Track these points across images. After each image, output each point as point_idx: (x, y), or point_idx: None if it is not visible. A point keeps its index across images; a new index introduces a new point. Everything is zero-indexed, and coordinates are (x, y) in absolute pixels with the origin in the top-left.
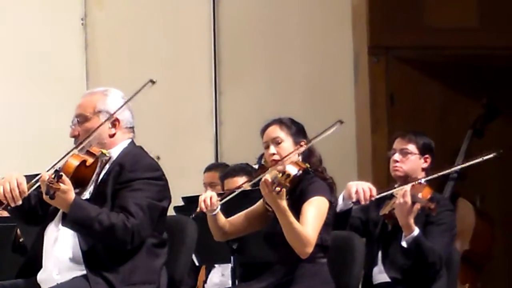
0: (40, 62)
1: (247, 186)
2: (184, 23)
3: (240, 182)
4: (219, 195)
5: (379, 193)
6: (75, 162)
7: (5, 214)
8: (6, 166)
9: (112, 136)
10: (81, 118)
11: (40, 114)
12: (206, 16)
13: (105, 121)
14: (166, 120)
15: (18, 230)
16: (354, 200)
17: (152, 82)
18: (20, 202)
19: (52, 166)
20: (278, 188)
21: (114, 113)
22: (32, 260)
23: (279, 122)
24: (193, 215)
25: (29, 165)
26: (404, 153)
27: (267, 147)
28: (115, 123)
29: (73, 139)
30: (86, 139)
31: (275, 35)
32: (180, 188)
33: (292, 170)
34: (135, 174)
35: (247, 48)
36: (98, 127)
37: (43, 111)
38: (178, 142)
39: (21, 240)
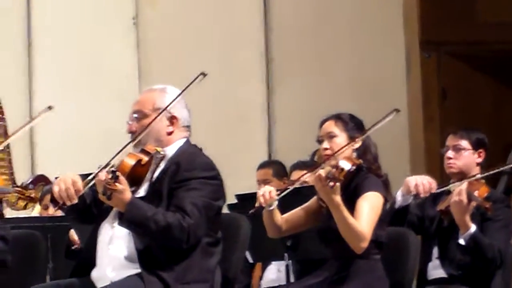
0: (92, 61)
1: (307, 179)
2: (236, 21)
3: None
4: (276, 190)
5: (437, 188)
6: (131, 162)
7: (59, 213)
8: (60, 165)
9: (169, 133)
10: (140, 115)
11: (92, 113)
12: (258, 13)
13: (160, 113)
14: (219, 118)
15: (71, 235)
16: (413, 193)
17: (204, 74)
18: (75, 201)
19: (107, 164)
20: (331, 183)
21: (168, 105)
22: (86, 259)
23: (336, 117)
24: (252, 211)
25: (82, 163)
26: (457, 149)
27: (322, 142)
28: (173, 120)
29: (125, 137)
30: (142, 133)
31: (326, 32)
32: (233, 186)
33: (345, 165)
34: (192, 173)
35: (298, 46)
36: (151, 121)
37: (96, 110)
38: (231, 140)
39: (74, 247)
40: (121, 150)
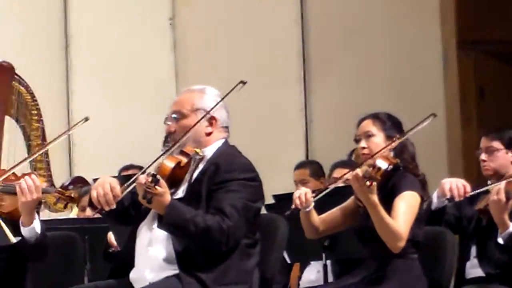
0: (130, 62)
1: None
2: (272, 21)
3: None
4: (313, 191)
5: (474, 190)
6: (170, 164)
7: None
8: (98, 166)
9: (208, 134)
10: (179, 115)
11: (129, 114)
12: (294, 13)
13: (202, 118)
14: (256, 118)
15: (109, 238)
16: (448, 197)
17: (243, 83)
18: (113, 206)
19: (148, 167)
20: (368, 182)
21: (211, 110)
22: (124, 260)
23: (373, 116)
24: (288, 213)
25: (120, 164)
26: (490, 151)
27: (359, 141)
28: (212, 121)
29: (161, 138)
30: (184, 136)
31: (363, 31)
32: (270, 187)
33: (382, 164)
34: (231, 174)
35: (335, 45)
36: (194, 124)
37: (133, 111)
38: (268, 141)
39: (111, 249)
40: (162, 155)
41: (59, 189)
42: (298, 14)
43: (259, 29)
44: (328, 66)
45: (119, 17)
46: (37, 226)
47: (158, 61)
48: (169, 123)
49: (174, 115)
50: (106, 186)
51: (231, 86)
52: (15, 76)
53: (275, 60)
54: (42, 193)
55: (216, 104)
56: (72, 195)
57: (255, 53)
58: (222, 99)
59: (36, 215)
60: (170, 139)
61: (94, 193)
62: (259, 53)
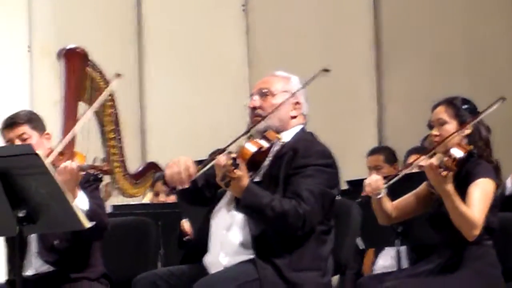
0: (202, 48)
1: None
2: (344, 6)
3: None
4: (384, 178)
5: None
6: (252, 149)
7: (171, 200)
8: (171, 152)
9: (292, 117)
10: (268, 92)
11: (202, 99)
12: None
13: (293, 95)
14: (329, 104)
15: (183, 226)
16: None
17: (326, 70)
18: (187, 186)
19: (228, 145)
20: (444, 172)
21: (297, 91)
22: (198, 245)
23: (447, 102)
24: (359, 200)
25: (193, 149)
26: None
27: (432, 127)
28: (296, 106)
29: (234, 123)
30: (272, 112)
31: (436, 16)
32: (343, 172)
33: (457, 153)
34: (309, 160)
35: (408, 30)
36: (281, 103)
37: (206, 96)
38: (341, 126)
39: (186, 237)
40: (245, 134)
41: (92, 164)
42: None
43: (331, 15)
44: (402, 52)
45: (192, 3)
46: (81, 203)
47: (231, 47)
48: (256, 98)
49: (263, 90)
50: (181, 165)
51: (304, 72)
52: (89, 61)
53: (348, 46)
54: (79, 170)
55: (302, 87)
56: (105, 168)
57: (327, 39)
58: (306, 84)
59: (80, 193)
60: (251, 115)
61: (168, 171)
62: (331, 39)
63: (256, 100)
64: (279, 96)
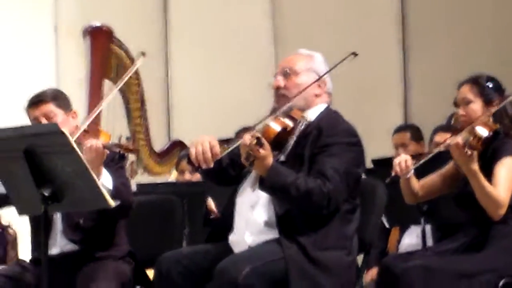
0: (229, 27)
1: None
2: None
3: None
4: (412, 157)
5: None
6: (277, 128)
7: (196, 178)
8: (196, 130)
9: (317, 96)
10: (291, 71)
11: (228, 80)
12: None
13: (320, 78)
14: (355, 83)
15: (209, 204)
16: None
17: (355, 54)
18: (211, 165)
19: (257, 124)
20: (469, 151)
21: (326, 73)
22: (223, 223)
23: (472, 81)
24: (388, 180)
25: (218, 127)
26: None
27: (458, 106)
28: (321, 84)
29: (259, 102)
30: (298, 94)
31: None
32: (369, 151)
33: (483, 132)
34: (333, 138)
35: (435, 11)
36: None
37: (231, 77)
38: (366, 105)
39: (211, 216)
40: (273, 112)
41: (117, 143)
42: None
43: None
44: (428, 32)
45: None
46: (106, 182)
47: (257, 28)
48: (279, 78)
49: (286, 69)
50: (205, 144)
51: (330, 52)
52: (114, 39)
53: (375, 27)
54: (104, 148)
55: (329, 70)
56: (130, 147)
57: (353, 19)
58: (334, 67)
59: (105, 171)
60: (275, 95)
61: (193, 150)
62: (358, 19)
63: (280, 80)
64: (303, 74)
